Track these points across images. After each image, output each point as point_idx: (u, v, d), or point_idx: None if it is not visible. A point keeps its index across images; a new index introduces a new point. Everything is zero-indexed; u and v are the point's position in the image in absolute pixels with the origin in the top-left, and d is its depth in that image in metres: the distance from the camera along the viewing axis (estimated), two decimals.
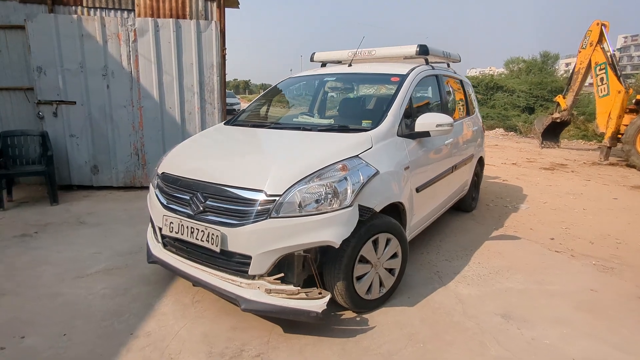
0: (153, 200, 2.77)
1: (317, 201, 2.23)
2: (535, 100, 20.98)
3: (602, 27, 9.91)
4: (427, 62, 3.74)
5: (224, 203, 2.33)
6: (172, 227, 2.51)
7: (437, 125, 2.92)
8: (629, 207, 5.62)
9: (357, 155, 2.47)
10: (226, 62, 5.67)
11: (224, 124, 3.53)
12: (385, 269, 2.65)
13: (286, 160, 2.45)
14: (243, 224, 2.23)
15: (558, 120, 11.25)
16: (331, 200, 2.24)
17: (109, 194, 5.44)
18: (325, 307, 2.20)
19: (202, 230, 2.35)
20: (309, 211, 2.21)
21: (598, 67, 10.02)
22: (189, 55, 5.34)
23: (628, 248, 4.04)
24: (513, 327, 2.50)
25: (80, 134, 5.36)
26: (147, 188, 5.62)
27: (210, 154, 2.89)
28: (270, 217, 2.19)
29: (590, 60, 10.15)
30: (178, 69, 5.35)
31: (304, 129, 2.93)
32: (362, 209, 2.34)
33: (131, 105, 5.39)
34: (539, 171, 8.23)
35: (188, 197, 2.48)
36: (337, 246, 2.21)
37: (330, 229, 2.20)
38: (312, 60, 4.31)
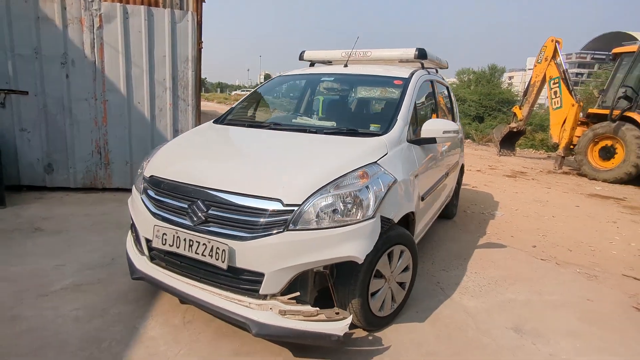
0: (138, 207, 2.42)
1: (338, 212, 2.03)
2: (484, 110, 22.18)
3: (556, 43, 10.52)
4: (423, 67, 3.66)
5: (231, 213, 2.06)
6: (166, 239, 2.19)
7: (444, 132, 2.82)
8: (591, 214, 5.92)
9: (376, 162, 2.29)
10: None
11: (214, 122, 3.22)
12: (397, 282, 2.50)
13: (302, 166, 2.22)
14: (255, 237, 1.98)
15: (515, 130, 11.79)
16: (353, 211, 2.05)
17: (66, 196, 4.87)
18: (348, 330, 2.00)
19: (204, 244, 2.07)
20: (330, 223, 2.00)
21: (552, 81, 10.61)
22: (162, 47, 4.92)
23: (602, 255, 4.20)
24: (528, 342, 2.44)
25: (32, 128, 4.75)
26: (110, 190, 5.14)
27: (208, 156, 2.58)
28: (288, 230, 1.96)
29: (545, 74, 10.74)
30: (149, 61, 4.90)
31: (309, 131, 2.72)
32: (382, 220, 2.17)
33: (94, 99, 4.86)
34: (503, 178, 8.54)
35: (186, 205, 2.18)
36: (360, 262, 2.02)
37: (353, 243, 2.01)
38: (301, 59, 4.10)
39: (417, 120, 3.02)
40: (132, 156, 5.11)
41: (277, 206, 1.99)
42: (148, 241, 2.37)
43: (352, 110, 3.57)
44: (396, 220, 2.31)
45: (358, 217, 2.04)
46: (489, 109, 22.22)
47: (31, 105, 4.70)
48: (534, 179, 8.67)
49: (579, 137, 9.74)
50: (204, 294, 2.14)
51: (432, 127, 2.84)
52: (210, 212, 2.10)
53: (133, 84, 4.93)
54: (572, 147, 9.96)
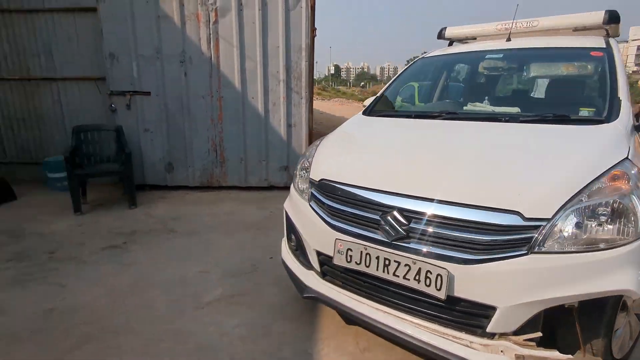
0: (307, 215, 2.10)
1: (597, 229, 1.50)
2: None
3: None
4: (608, 35, 2.92)
5: (444, 228, 1.63)
6: (351, 256, 1.83)
7: None
8: None
9: (627, 157, 1.72)
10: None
11: (363, 114, 2.82)
12: (635, 314, 1.92)
13: (533, 167, 1.71)
14: (483, 261, 1.53)
15: None
16: (618, 227, 1.51)
17: (186, 194, 4.88)
18: None
19: (406, 265, 1.67)
20: (588, 245, 1.49)
21: None
22: (275, 37, 4.67)
23: None
24: None
25: (154, 129, 4.80)
26: (225, 188, 5.06)
27: (395, 156, 2.12)
28: (533, 252, 1.49)
29: None
30: (263, 53, 4.69)
31: (504, 121, 2.19)
32: None
33: (210, 96, 4.78)
34: None
35: (377, 217, 1.79)
36: (637, 297, 1.48)
37: (626, 271, 1.47)
38: (440, 37, 3.55)
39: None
40: (246, 153, 4.97)
41: (515, 221, 1.52)
42: (319, 254, 2.05)
43: (535, 91, 2.96)
44: None
45: (628, 236, 1.50)
46: None
47: (153, 106, 4.73)
48: None
49: None
50: (402, 325, 1.75)
51: None
52: (412, 225, 1.69)
53: (247, 79, 4.76)
54: None
